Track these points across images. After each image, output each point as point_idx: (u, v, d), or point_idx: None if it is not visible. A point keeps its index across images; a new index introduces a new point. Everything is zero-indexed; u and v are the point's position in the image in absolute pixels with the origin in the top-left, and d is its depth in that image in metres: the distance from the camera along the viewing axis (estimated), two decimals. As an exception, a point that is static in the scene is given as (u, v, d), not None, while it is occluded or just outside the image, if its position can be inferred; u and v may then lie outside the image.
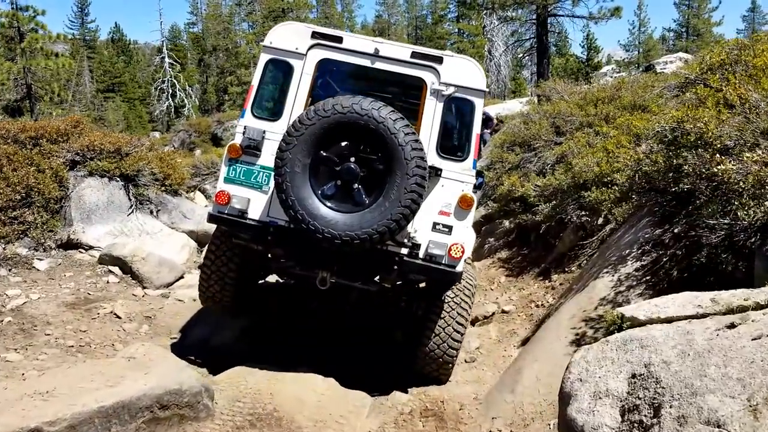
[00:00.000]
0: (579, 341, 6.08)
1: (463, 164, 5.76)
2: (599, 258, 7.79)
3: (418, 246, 5.73)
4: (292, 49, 5.78)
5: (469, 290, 6.60)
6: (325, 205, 5.32)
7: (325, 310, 8.33)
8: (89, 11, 66.58)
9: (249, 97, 5.83)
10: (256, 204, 5.75)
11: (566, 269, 10.19)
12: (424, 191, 5.33)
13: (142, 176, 10.87)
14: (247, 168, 5.71)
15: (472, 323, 9.83)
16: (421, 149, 5.27)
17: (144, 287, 9.16)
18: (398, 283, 6.35)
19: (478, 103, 5.76)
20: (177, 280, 9.81)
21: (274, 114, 5.82)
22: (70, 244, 9.72)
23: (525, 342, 8.28)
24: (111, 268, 9.26)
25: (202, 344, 7.21)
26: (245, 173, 5.72)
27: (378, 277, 6.11)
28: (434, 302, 6.41)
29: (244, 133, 5.73)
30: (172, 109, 53.30)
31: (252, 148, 5.70)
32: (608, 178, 9.79)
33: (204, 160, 24.74)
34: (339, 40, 5.81)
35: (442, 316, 6.33)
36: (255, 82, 5.84)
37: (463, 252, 5.76)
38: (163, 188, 11.25)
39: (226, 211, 5.73)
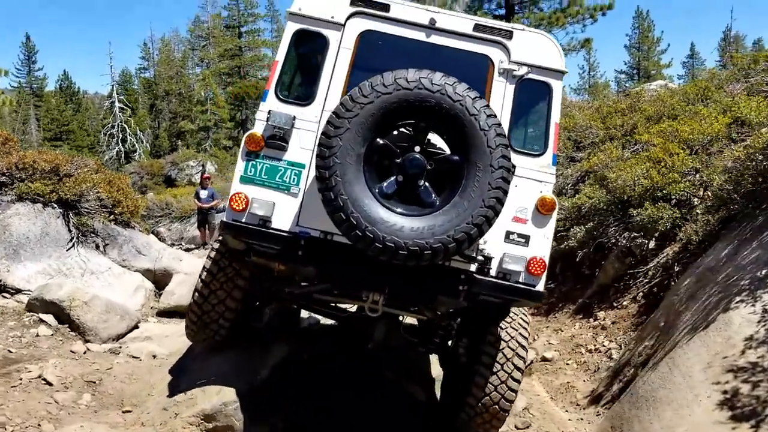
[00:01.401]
0: (732, 403, 4.19)
1: (541, 160, 4.66)
2: (699, 286, 5.93)
3: (489, 260, 4.52)
4: (326, 18, 4.69)
5: (525, 321, 5.43)
6: (385, 206, 4.12)
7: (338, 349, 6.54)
8: (36, 59, 63.74)
9: (272, 76, 4.66)
10: (282, 210, 4.51)
11: (615, 304, 8.35)
12: (509, 188, 4.18)
13: (86, 202, 8.76)
14: (270, 164, 4.53)
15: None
16: (505, 136, 4.19)
17: (86, 341, 6.99)
18: (449, 311, 5.17)
19: (557, 86, 4.79)
20: (130, 330, 7.67)
21: (305, 97, 4.68)
22: (-10, 288, 7.53)
23: (597, 400, 6.34)
24: (42, 316, 7.07)
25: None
26: (268, 171, 4.53)
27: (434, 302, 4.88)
28: (485, 337, 5.20)
29: (267, 119, 4.51)
30: (123, 155, 50.69)
31: (277, 138, 4.52)
32: (663, 192, 8.08)
33: (158, 200, 22.49)
34: (386, 7, 4.72)
35: (497, 354, 5.13)
36: (280, 56, 4.68)
37: (544, 267, 4.58)
38: (111, 218, 9.13)
39: (243, 219, 4.47)
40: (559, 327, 8.75)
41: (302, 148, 4.54)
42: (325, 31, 4.67)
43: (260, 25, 44.74)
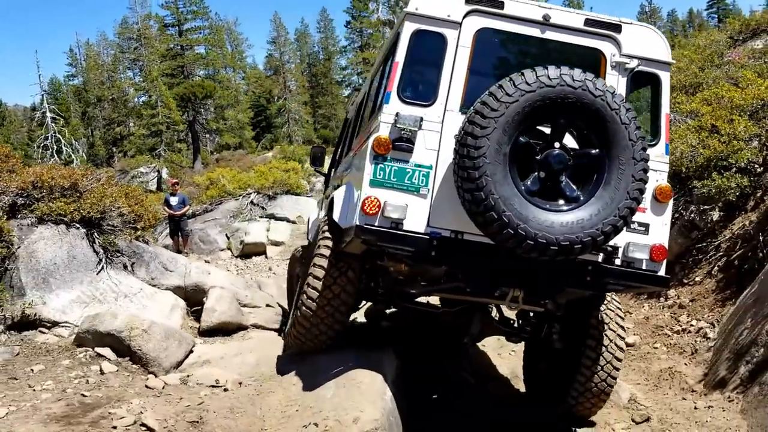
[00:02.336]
0: None
1: (656, 150, 4.79)
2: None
3: (615, 250, 4.66)
4: (443, 17, 4.73)
5: (619, 303, 5.76)
6: (533, 203, 4.22)
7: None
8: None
9: (393, 77, 4.69)
10: (413, 212, 4.57)
11: (686, 281, 8.08)
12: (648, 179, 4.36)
13: (110, 219, 7.89)
14: (399, 167, 4.59)
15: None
16: (641, 129, 4.31)
17: (150, 372, 6.23)
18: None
19: (665, 77, 4.92)
20: (187, 356, 6.92)
21: (427, 97, 4.72)
22: (26, 323, 6.66)
23: (722, 384, 5.99)
24: (99, 350, 6.26)
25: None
26: (397, 173, 4.59)
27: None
28: (588, 322, 5.51)
29: (395, 122, 4.57)
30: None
31: (404, 140, 4.57)
32: (728, 161, 7.80)
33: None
34: (500, 5, 4.78)
35: (601, 337, 5.47)
36: (399, 57, 4.70)
37: (665, 253, 4.78)
38: (135, 234, 8.27)
39: (376, 223, 4.51)
40: (626, 309, 8.41)
41: (427, 148, 4.60)
42: (442, 30, 4.70)
43: (200, 23, 43.12)
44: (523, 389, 6.72)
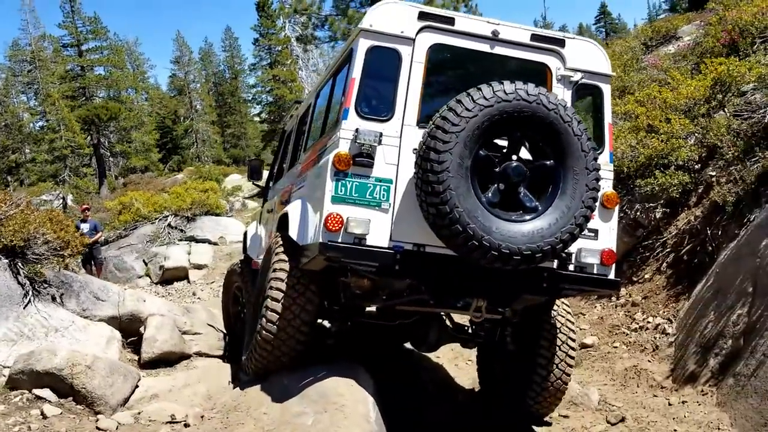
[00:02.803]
0: None
1: (601, 158, 4.89)
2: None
3: (568, 255, 4.85)
4: (397, 33, 4.80)
5: (567, 305, 6.00)
6: (495, 215, 4.35)
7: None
8: None
9: (351, 93, 4.75)
10: (376, 226, 4.63)
11: (635, 279, 8.16)
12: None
13: (35, 247, 7.22)
14: (359, 182, 4.64)
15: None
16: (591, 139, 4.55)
17: (96, 411, 5.67)
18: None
19: (606, 89, 5.16)
20: (133, 391, 6.37)
21: (384, 112, 4.79)
22: (-53, 368, 5.93)
23: (692, 379, 6.01)
24: (37, 391, 5.62)
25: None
26: (358, 189, 4.64)
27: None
28: (542, 325, 5.73)
29: (355, 138, 4.62)
30: (-50, 199, 45.11)
31: (365, 156, 4.62)
32: (667, 159, 7.97)
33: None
34: (451, 21, 4.90)
35: (554, 338, 5.69)
36: (356, 74, 4.76)
37: (614, 257, 4.99)
38: (64, 262, 7.62)
39: (339, 239, 4.53)
40: (578, 311, 8.42)
41: (387, 163, 4.65)
42: (397, 47, 4.75)
43: (100, 43, 41.29)
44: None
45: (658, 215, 8.23)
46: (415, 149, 4.53)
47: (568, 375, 5.73)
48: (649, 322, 7.28)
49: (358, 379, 5.21)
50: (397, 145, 4.69)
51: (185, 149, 58.96)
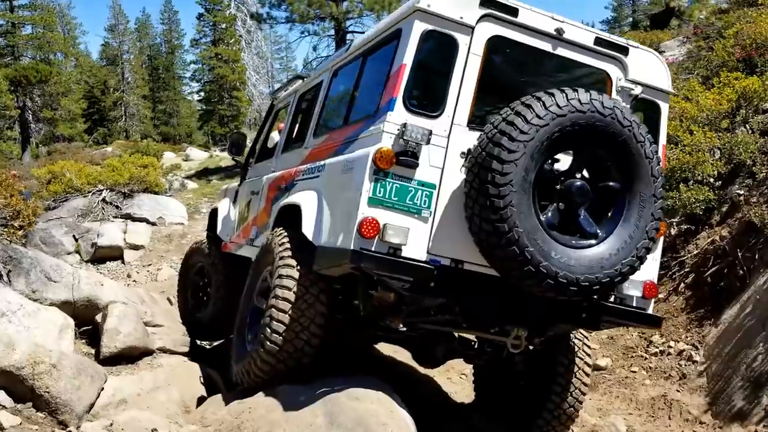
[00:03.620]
0: None
1: None
2: None
3: None
4: (456, 18, 4.20)
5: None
6: (555, 238, 3.93)
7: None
8: None
9: (400, 81, 4.13)
10: (414, 236, 4.09)
11: (647, 298, 7.61)
12: None
13: (-20, 214, 6.06)
14: (401, 184, 4.09)
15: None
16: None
17: (60, 421, 4.66)
18: None
19: (665, 107, 4.75)
20: (99, 394, 5.37)
21: (434, 108, 4.21)
22: None
23: (741, 416, 5.47)
24: (-11, 395, 4.57)
25: None
26: (399, 192, 4.09)
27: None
28: (559, 347, 5.31)
29: (402, 133, 4.02)
30: None
31: (409, 155, 4.04)
32: (691, 173, 7.48)
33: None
34: (514, 11, 4.32)
35: (570, 363, 5.28)
36: (407, 59, 4.14)
37: (656, 291, 4.67)
38: (17, 233, 6.47)
39: (373, 248, 3.99)
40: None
41: (431, 165, 4.11)
42: (455, 34, 4.19)
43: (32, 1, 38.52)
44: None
45: (673, 232, 7.73)
46: (463, 153, 4.11)
47: (581, 402, 5.39)
48: (670, 347, 6.75)
49: (385, 391, 4.45)
50: (444, 146, 4.15)
51: (113, 122, 56.60)
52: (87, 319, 7.10)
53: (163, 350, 7.21)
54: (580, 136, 3.90)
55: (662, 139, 4.76)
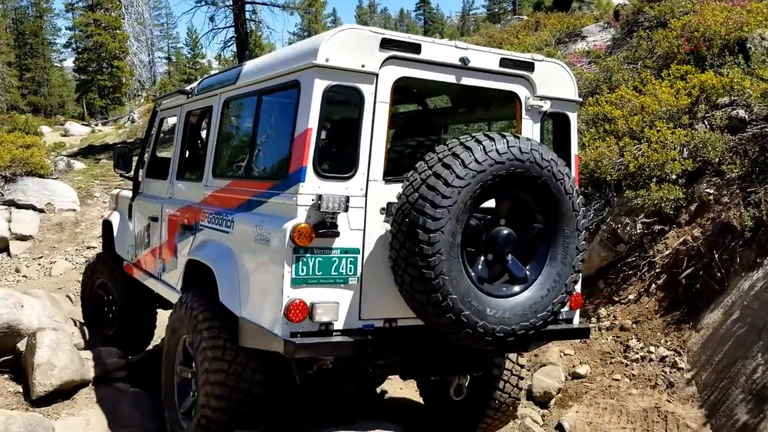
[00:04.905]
0: None
1: None
2: None
3: None
4: (358, 68, 3.94)
5: None
6: (487, 293, 3.87)
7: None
8: None
9: (306, 147, 3.84)
10: (344, 307, 3.96)
11: (615, 298, 7.45)
12: None
13: None
14: (323, 257, 3.89)
15: (540, 404, 6.56)
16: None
17: None
18: None
19: (574, 117, 4.75)
20: None
21: (347, 167, 4.01)
22: None
23: (747, 431, 5.31)
24: None
25: None
26: (322, 265, 3.89)
27: None
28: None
29: (318, 205, 3.79)
30: None
31: (328, 226, 3.84)
32: (661, 171, 7.32)
33: None
34: (417, 48, 4.10)
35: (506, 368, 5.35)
36: (312, 123, 3.84)
37: (581, 301, 4.80)
38: None
39: (301, 330, 3.79)
40: (552, 331, 7.56)
41: (352, 229, 3.96)
42: (359, 85, 3.94)
43: None
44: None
45: (638, 230, 7.56)
46: (383, 209, 4.00)
47: (519, 400, 5.58)
48: (651, 353, 6.56)
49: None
50: (363, 206, 3.99)
51: (-27, 91, 51.89)
52: (5, 349, 6.09)
53: (100, 379, 6.29)
54: (501, 185, 3.80)
55: (574, 148, 4.75)
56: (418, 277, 3.64)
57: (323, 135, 4.04)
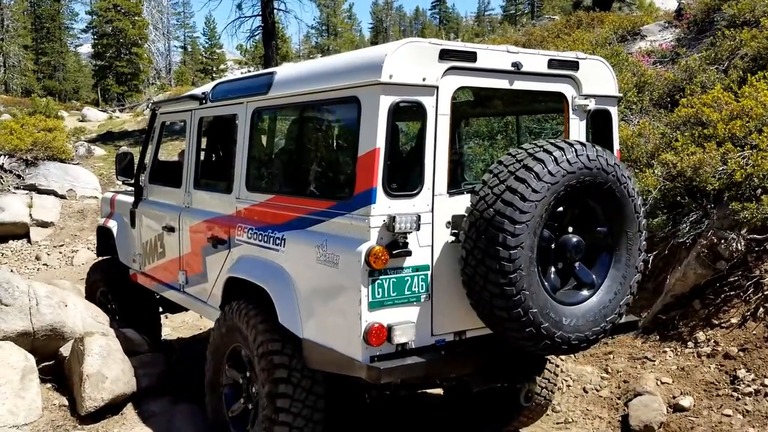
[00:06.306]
0: None
1: None
2: None
3: None
4: (419, 82, 3.82)
5: None
6: (560, 301, 3.84)
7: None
8: None
9: (376, 168, 3.73)
10: (418, 325, 3.88)
11: (715, 322, 6.70)
12: None
13: None
14: (396, 278, 3.81)
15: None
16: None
17: None
18: None
19: (615, 112, 4.75)
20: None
21: (414, 184, 3.92)
22: None
23: None
24: None
25: None
26: (396, 286, 3.81)
27: None
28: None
29: (392, 227, 3.68)
30: None
31: (401, 245, 3.76)
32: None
33: None
34: (472, 57, 4.01)
35: None
36: (379, 141, 3.71)
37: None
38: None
39: (379, 353, 3.71)
40: (642, 354, 6.83)
41: (422, 246, 3.92)
42: (421, 98, 3.88)
43: None
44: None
45: (741, 246, 6.82)
46: (449, 222, 3.98)
47: (554, 393, 5.59)
48: (765, 386, 5.83)
49: None
50: (430, 222, 3.94)
51: (-11, 74, 51.73)
52: (48, 353, 5.42)
53: (148, 391, 5.62)
54: (572, 194, 3.78)
55: (615, 144, 4.76)
56: (499, 294, 3.61)
57: (391, 153, 3.91)
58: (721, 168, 6.93)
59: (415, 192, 3.90)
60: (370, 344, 3.68)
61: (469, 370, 4.33)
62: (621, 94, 4.93)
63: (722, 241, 6.83)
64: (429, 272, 3.95)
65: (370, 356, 3.70)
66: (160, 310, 7.35)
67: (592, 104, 4.54)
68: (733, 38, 9.68)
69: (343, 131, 4.42)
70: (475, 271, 3.65)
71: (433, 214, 3.95)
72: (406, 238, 3.79)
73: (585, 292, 3.98)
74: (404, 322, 3.82)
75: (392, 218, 3.67)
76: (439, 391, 6.13)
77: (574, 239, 3.95)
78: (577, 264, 4.00)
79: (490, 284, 3.60)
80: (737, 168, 6.76)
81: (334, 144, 4.71)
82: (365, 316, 3.69)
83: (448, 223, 3.99)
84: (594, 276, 4.03)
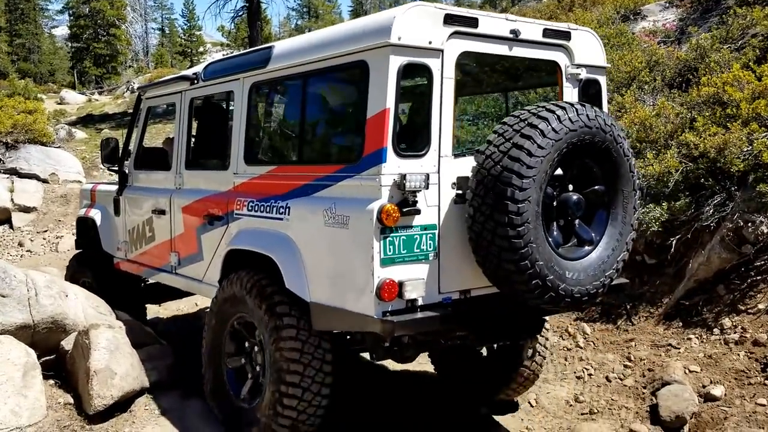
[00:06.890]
0: None
1: None
2: None
3: None
4: (426, 45, 3.95)
5: None
6: (564, 257, 4.01)
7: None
8: None
9: (385, 129, 3.83)
10: (427, 282, 4.03)
11: (742, 308, 6.48)
12: None
13: None
14: (406, 236, 3.93)
15: (670, 430, 5.64)
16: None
17: None
18: None
19: (603, 82, 4.93)
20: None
21: (422, 145, 4.04)
22: None
23: None
24: None
25: None
26: (405, 243, 3.93)
27: None
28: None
29: (401, 184, 3.82)
30: None
31: (410, 204, 3.88)
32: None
33: None
34: (474, 22, 4.15)
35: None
36: (389, 102, 3.82)
37: None
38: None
39: (390, 308, 3.85)
40: (665, 342, 6.60)
41: (429, 206, 4.03)
42: (427, 61, 3.99)
43: None
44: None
45: (767, 230, 6.60)
46: (454, 183, 4.09)
47: (542, 366, 5.76)
48: (797, 371, 5.63)
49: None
50: (437, 182, 4.05)
51: (-39, 55, 50.46)
52: (48, 347, 5.06)
53: (157, 386, 5.29)
54: (573, 152, 3.92)
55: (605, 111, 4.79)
56: (508, 247, 3.73)
57: (399, 116, 4.03)
58: (746, 149, 6.68)
59: (422, 153, 4.00)
60: (382, 299, 3.79)
61: (474, 327, 4.45)
62: (608, 64, 5.14)
63: (748, 224, 6.60)
64: (436, 231, 4.07)
65: (382, 311, 3.82)
66: (146, 303, 7.36)
67: (583, 73, 4.70)
68: (744, 17, 9.43)
69: (348, 96, 4.53)
70: (483, 227, 3.76)
71: (440, 175, 4.05)
72: (416, 196, 3.89)
73: (585, 248, 4.14)
74: (414, 278, 3.94)
75: (403, 176, 3.78)
76: (431, 369, 6.42)
77: (575, 197, 4.10)
78: (577, 221, 4.14)
79: (499, 238, 3.70)
80: (764, 149, 6.52)
81: (339, 110, 4.83)
82: (378, 272, 3.80)
83: (453, 183, 4.09)
84: (593, 233, 4.19)
